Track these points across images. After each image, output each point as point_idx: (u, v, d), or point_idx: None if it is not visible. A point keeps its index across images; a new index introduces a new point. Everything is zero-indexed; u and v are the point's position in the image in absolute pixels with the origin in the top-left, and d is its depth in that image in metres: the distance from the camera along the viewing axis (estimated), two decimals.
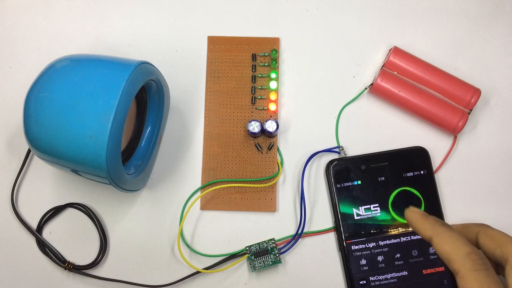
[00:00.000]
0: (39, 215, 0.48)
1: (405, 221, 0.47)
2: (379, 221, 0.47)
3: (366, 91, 0.50)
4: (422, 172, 0.48)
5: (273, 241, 0.47)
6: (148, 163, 0.48)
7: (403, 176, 0.48)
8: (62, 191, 0.49)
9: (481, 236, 0.33)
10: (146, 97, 0.47)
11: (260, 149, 0.49)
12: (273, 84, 0.50)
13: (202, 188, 0.49)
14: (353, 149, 0.49)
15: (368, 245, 0.46)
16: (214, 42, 0.51)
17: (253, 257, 0.47)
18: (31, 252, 0.48)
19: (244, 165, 0.49)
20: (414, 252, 0.46)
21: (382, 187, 0.47)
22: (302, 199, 0.48)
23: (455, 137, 0.49)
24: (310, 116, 0.50)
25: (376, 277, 0.46)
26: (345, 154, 0.49)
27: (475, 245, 0.33)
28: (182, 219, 0.48)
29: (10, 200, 0.49)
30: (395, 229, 0.47)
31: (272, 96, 0.50)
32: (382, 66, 0.50)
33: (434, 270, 0.46)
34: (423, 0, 0.52)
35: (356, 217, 0.47)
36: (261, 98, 0.50)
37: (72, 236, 0.48)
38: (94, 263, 0.47)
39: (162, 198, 0.49)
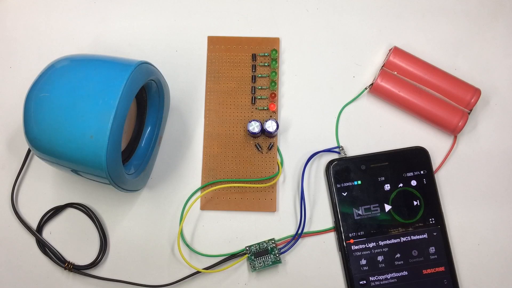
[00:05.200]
0: (39, 215, 0.48)
1: (405, 221, 0.47)
2: (379, 221, 0.47)
3: (366, 91, 0.50)
4: (422, 172, 0.48)
5: (273, 241, 0.47)
6: (148, 163, 0.48)
7: (403, 176, 0.48)
8: (62, 191, 0.49)
9: None
10: (146, 97, 0.47)
11: (260, 149, 0.49)
12: (273, 84, 0.50)
13: (202, 188, 0.49)
14: (353, 149, 0.49)
15: (368, 245, 0.46)
16: (214, 42, 0.51)
17: (253, 257, 0.47)
18: (31, 252, 0.48)
19: (244, 165, 0.49)
20: (414, 252, 0.46)
21: (382, 187, 0.47)
22: (302, 199, 0.48)
23: (455, 137, 0.49)
24: (310, 116, 0.50)
25: (376, 277, 0.46)
26: (345, 154, 0.49)
27: None
28: (182, 219, 0.48)
29: (10, 200, 0.49)
30: (395, 229, 0.47)
31: (272, 96, 0.50)
32: (382, 66, 0.50)
33: (434, 270, 0.46)
34: (423, 0, 0.52)
35: (356, 217, 0.47)
36: (261, 98, 0.50)
37: (72, 236, 0.48)
38: (94, 263, 0.47)
39: (162, 198, 0.49)
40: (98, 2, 0.53)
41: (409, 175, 0.48)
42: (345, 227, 0.47)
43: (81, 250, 0.48)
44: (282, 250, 0.47)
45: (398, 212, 0.47)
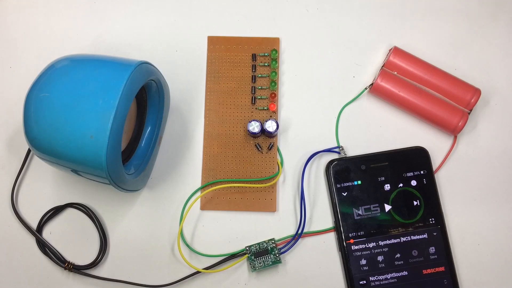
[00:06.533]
0: (39, 215, 0.48)
1: (405, 221, 0.47)
2: (379, 221, 0.47)
3: (366, 91, 0.50)
4: (422, 172, 0.48)
5: (273, 241, 0.47)
6: (148, 163, 0.48)
7: (403, 176, 0.48)
8: (62, 191, 0.49)
9: None
10: (146, 97, 0.47)
11: (260, 149, 0.49)
12: (273, 84, 0.50)
13: (202, 188, 0.49)
14: (353, 149, 0.49)
15: (368, 245, 0.46)
16: (214, 42, 0.51)
17: (253, 257, 0.47)
18: (31, 252, 0.48)
19: (244, 165, 0.49)
20: (414, 252, 0.46)
21: (382, 187, 0.47)
22: (302, 199, 0.48)
23: (455, 137, 0.49)
24: (310, 116, 0.50)
25: (376, 277, 0.46)
26: (345, 154, 0.49)
27: None
28: (182, 219, 0.48)
29: (10, 200, 0.49)
30: (395, 229, 0.47)
31: (272, 96, 0.50)
32: (382, 66, 0.50)
33: (434, 270, 0.46)
34: (423, 0, 0.52)
35: (356, 217, 0.47)
36: (261, 98, 0.50)
37: (72, 236, 0.48)
38: (94, 263, 0.47)
39: (162, 198, 0.49)
40: (98, 2, 0.53)
41: (409, 175, 0.48)
42: (345, 227, 0.47)
43: (81, 250, 0.48)
44: (282, 250, 0.47)
45: (398, 212, 0.47)
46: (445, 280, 0.46)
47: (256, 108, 0.50)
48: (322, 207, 0.48)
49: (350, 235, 0.47)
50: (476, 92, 0.48)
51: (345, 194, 0.47)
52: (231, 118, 0.50)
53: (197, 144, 0.50)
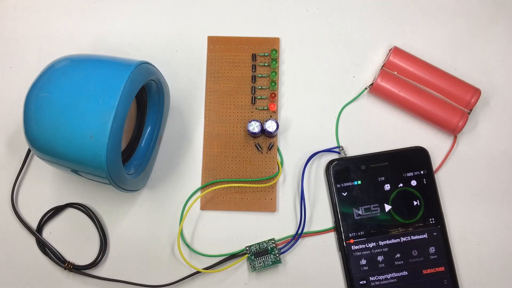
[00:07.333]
0: (39, 215, 0.48)
1: (405, 221, 0.47)
2: (379, 221, 0.47)
3: (366, 91, 0.50)
4: (422, 172, 0.48)
5: (273, 241, 0.47)
6: (148, 163, 0.48)
7: (403, 176, 0.48)
8: (62, 191, 0.49)
9: None
10: (146, 97, 0.47)
11: (260, 149, 0.49)
12: (273, 84, 0.50)
13: (202, 188, 0.49)
14: (353, 149, 0.49)
15: (368, 245, 0.46)
16: (214, 42, 0.51)
17: (253, 257, 0.47)
18: (31, 252, 0.48)
19: (244, 165, 0.49)
20: (414, 252, 0.46)
21: (382, 187, 0.47)
22: (302, 199, 0.48)
23: (455, 137, 0.49)
24: (310, 116, 0.50)
25: (376, 277, 0.46)
26: (345, 154, 0.49)
27: None
28: (182, 219, 0.48)
29: (10, 200, 0.49)
30: (395, 229, 0.47)
31: (272, 96, 0.50)
32: (382, 66, 0.50)
33: (434, 270, 0.46)
34: (423, 0, 0.52)
35: (356, 217, 0.47)
36: (261, 98, 0.50)
37: (72, 236, 0.48)
38: (94, 263, 0.47)
39: (162, 198, 0.49)
40: (98, 2, 0.53)
41: (409, 175, 0.48)
42: (345, 227, 0.47)
43: (81, 250, 0.48)
44: (282, 250, 0.47)
45: (398, 212, 0.47)
46: (445, 280, 0.46)
47: (256, 108, 0.50)
48: (322, 207, 0.48)
49: (350, 235, 0.47)
50: (476, 92, 0.48)
51: (345, 194, 0.47)
52: (231, 118, 0.50)
53: (197, 144, 0.50)
